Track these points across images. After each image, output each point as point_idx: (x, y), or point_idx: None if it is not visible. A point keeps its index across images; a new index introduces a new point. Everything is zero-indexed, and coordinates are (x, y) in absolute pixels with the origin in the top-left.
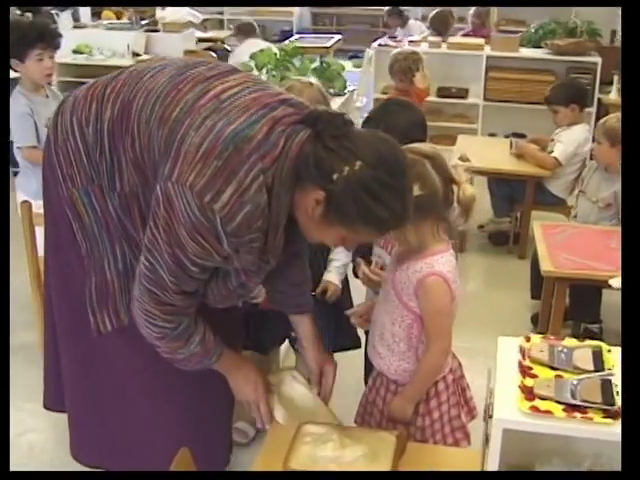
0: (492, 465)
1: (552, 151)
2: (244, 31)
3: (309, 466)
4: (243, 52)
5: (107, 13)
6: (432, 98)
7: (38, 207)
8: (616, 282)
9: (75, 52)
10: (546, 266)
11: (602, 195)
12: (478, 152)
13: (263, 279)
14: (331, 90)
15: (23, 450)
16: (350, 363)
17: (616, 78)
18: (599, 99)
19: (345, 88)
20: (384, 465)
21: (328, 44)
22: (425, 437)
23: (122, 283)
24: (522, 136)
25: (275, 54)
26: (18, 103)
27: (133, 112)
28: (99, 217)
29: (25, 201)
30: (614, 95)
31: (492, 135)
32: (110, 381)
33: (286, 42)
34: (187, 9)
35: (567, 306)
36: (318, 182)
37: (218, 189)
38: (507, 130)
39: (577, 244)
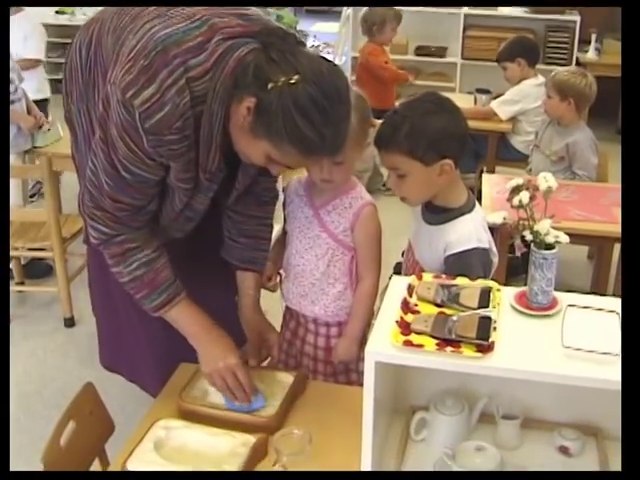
0: (367, 399)
1: None
2: None
3: (200, 400)
4: None
5: None
6: (410, 57)
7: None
8: (493, 217)
9: (58, 13)
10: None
11: (554, 148)
12: None
13: (209, 201)
14: None
15: None
16: None
17: (594, 37)
18: (577, 58)
19: None
20: (277, 401)
21: None
22: None
23: None
24: (487, 92)
25: None
26: None
27: (104, 30)
28: (85, 134)
29: None
30: (591, 54)
31: (470, 93)
32: (109, 302)
33: None
34: None
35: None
36: (253, 90)
37: (140, 86)
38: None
39: None
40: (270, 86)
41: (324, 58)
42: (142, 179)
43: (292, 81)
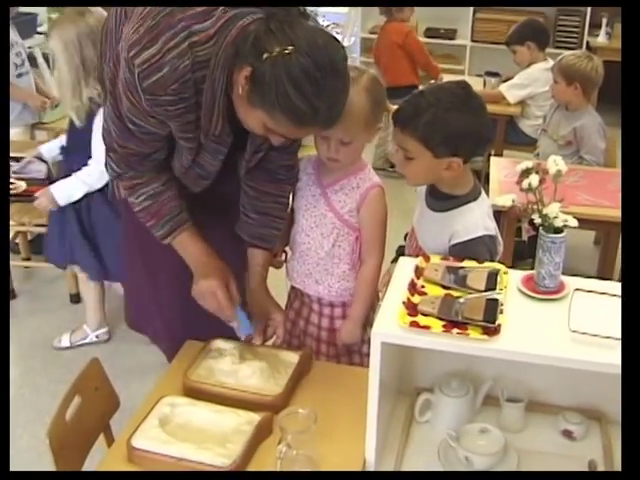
0: (373, 380)
1: None
2: None
3: (205, 378)
4: None
5: None
6: (420, 38)
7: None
8: (502, 200)
9: None
10: (493, 200)
11: (562, 133)
12: None
13: (220, 163)
14: None
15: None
16: None
17: (604, 21)
18: (587, 42)
19: None
20: (282, 380)
21: None
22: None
23: None
24: (496, 75)
25: None
26: None
27: None
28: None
29: None
30: (602, 38)
31: (479, 76)
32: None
33: None
34: None
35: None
36: (250, 60)
37: (143, 46)
38: None
39: None
40: (265, 56)
41: (323, 31)
42: (147, 131)
43: (286, 52)
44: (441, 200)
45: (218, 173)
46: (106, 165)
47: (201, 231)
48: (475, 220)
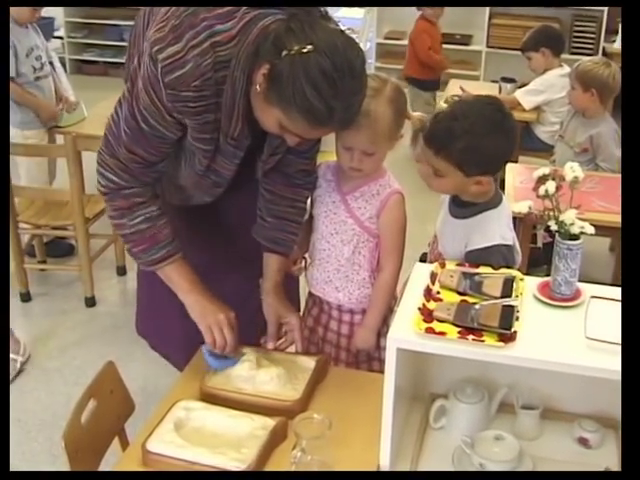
0: (388, 386)
1: None
2: None
3: (223, 385)
4: None
5: None
6: None
7: (24, 138)
8: (518, 206)
9: None
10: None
11: (578, 140)
12: None
13: (235, 167)
14: None
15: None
16: None
17: (621, 27)
18: (604, 48)
19: None
20: (299, 386)
21: None
22: None
23: None
24: (512, 80)
25: None
26: None
27: None
28: None
29: None
30: (618, 44)
31: (495, 82)
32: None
33: None
34: None
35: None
36: (269, 57)
37: (167, 43)
38: None
39: None
40: (284, 54)
41: (343, 33)
42: (159, 134)
43: (304, 50)
44: (462, 207)
45: (232, 181)
46: (101, 177)
47: (214, 249)
48: (492, 228)
